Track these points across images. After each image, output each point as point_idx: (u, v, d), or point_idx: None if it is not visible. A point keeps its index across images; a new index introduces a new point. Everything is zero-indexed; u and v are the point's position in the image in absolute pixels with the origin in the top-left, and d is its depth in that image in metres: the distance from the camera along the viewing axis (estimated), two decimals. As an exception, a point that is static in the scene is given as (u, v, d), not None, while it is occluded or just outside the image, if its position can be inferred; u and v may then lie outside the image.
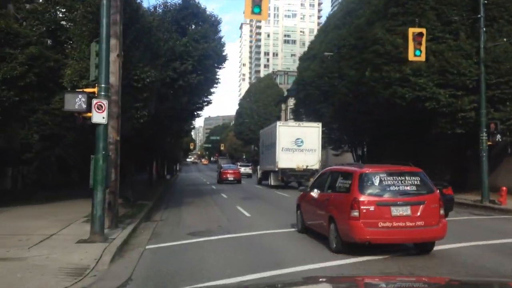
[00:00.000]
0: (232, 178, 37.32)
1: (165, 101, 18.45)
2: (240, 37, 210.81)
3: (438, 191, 8.99)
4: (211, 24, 18.61)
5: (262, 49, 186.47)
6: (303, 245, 9.80)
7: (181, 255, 8.64)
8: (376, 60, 23.74)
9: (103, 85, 9.52)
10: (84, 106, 9.28)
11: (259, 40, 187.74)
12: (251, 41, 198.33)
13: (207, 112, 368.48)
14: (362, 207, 8.20)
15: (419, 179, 8.70)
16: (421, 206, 8.38)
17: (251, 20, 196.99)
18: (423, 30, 16.94)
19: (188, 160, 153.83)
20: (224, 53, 19.58)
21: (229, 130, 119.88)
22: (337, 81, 33.24)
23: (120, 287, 6.34)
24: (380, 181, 8.52)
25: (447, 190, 13.63)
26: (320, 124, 32.06)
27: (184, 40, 16.70)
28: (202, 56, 17.16)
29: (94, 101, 9.35)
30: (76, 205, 15.77)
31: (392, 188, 8.50)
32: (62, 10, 15.06)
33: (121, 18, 11.19)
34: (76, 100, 9.30)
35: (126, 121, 12.18)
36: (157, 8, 18.47)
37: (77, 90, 10.13)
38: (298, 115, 43.07)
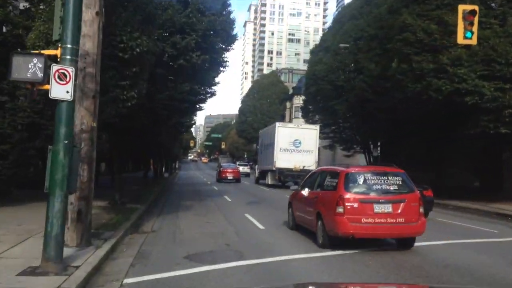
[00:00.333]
0: (231, 177, 36.90)
1: (163, 87, 15.57)
2: (244, 35, 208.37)
3: (418, 191, 9.50)
4: (220, -6, 15.72)
5: (266, 48, 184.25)
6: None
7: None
8: (405, 50, 20.83)
9: (69, 46, 6.59)
10: (39, 74, 6.38)
11: (263, 38, 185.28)
12: (254, 40, 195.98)
13: (208, 110, 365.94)
14: (346, 204, 8.77)
15: (401, 179, 9.21)
16: (402, 204, 8.94)
17: (255, 18, 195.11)
18: (476, 8, 13.98)
19: (188, 158, 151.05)
20: (233, 32, 16.63)
21: (231, 128, 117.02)
22: (354, 75, 30.37)
23: None
24: (364, 180, 9.11)
25: (427, 192, 14.25)
26: (318, 127, 33.02)
27: (187, 11, 13.76)
28: (207, 31, 14.23)
29: (55, 67, 6.43)
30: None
31: (375, 187, 9.05)
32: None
33: (103, -37, 8.28)
34: (29, 66, 6.39)
35: (109, 104, 9.26)
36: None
37: (31, 52, 7.18)
38: (307, 113, 40.14)
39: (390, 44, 22.75)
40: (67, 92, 6.46)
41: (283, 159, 29.52)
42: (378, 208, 8.88)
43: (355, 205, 8.84)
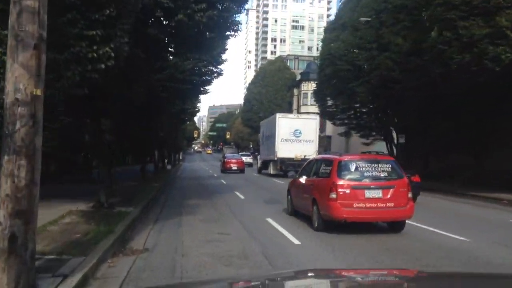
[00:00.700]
0: (235, 168, 36.93)
1: (158, 58, 12.34)
2: (246, 23, 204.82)
3: (406, 177, 9.95)
4: None
5: (269, 35, 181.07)
6: None
7: None
8: (448, 15, 17.44)
9: None
10: None
11: (266, 25, 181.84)
12: (257, 27, 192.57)
13: (212, 100, 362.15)
14: (339, 190, 9.29)
15: (390, 166, 9.77)
16: (391, 189, 9.47)
17: (257, 6, 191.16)
18: None
19: (194, 148, 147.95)
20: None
21: (236, 117, 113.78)
22: (377, 52, 26.93)
23: None
24: (356, 167, 9.62)
25: (415, 178, 14.79)
26: (317, 116, 34.89)
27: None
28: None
29: None
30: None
31: (366, 173, 9.55)
32: None
33: None
34: None
35: (70, 64, 6.00)
36: None
37: None
38: (321, 98, 36.72)
39: (426, 11, 19.37)
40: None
41: (284, 149, 29.87)
42: (369, 193, 9.33)
43: (347, 191, 9.30)
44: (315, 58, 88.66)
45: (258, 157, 40.41)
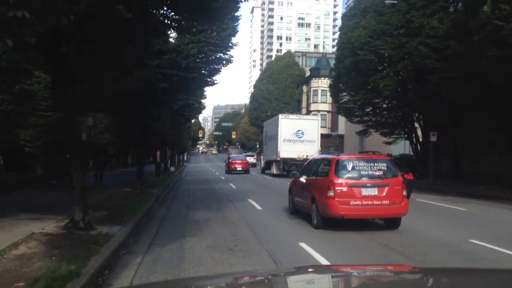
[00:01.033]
0: (240, 168, 36.85)
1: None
2: (251, 21, 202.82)
3: (401, 176, 10.16)
4: None
5: (275, 33, 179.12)
6: None
7: None
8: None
9: None
10: None
11: (272, 23, 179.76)
12: (262, 26, 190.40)
13: (216, 100, 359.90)
14: (337, 188, 9.55)
15: (386, 165, 9.97)
16: (387, 187, 9.70)
17: (262, 3, 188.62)
18: None
19: (199, 149, 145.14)
20: None
21: (241, 117, 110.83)
22: (406, 39, 23.82)
23: None
24: (353, 167, 9.84)
25: (408, 176, 15.44)
26: (319, 117, 35.39)
27: None
28: None
29: None
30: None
31: (362, 172, 9.79)
32: None
33: None
34: None
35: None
36: None
37: None
38: (337, 92, 33.56)
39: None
40: None
41: (287, 150, 30.11)
42: (365, 191, 9.63)
43: (345, 189, 9.58)
44: (323, 54, 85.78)
45: (261, 157, 40.82)
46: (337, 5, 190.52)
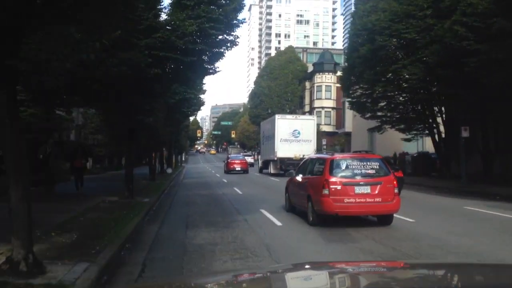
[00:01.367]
0: (239, 168, 36.85)
1: None
2: (249, 19, 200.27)
3: (393, 174, 10.48)
4: None
5: (273, 31, 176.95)
6: None
7: None
8: None
9: None
10: None
11: (270, 20, 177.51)
12: (260, 23, 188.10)
13: (214, 100, 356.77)
14: (331, 187, 9.86)
15: (378, 164, 10.38)
16: (379, 185, 10.01)
17: (260, 1, 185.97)
18: None
19: (197, 149, 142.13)
20: None
21: (241, 116, 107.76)
22: (433, 21, 20.85)
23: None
24: (347, 166, 10.23)
25: (398, 173, 14.88)
26: (315, 117, 37.02)
27: None
28: None
29: None
30: None
31: (356, 171, 10.16)
32: None
33: None
34: None
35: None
36: None
37: None
38: (349, 86, 30.52)
39: None
40: None
41: (284, 149, 30.47)
42: (358, 189, 9.95)
43: (339, 187, 9.88)
44: (326, 49, 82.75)
45: (259, 157, 41.52)
46: (336, 2, 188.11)
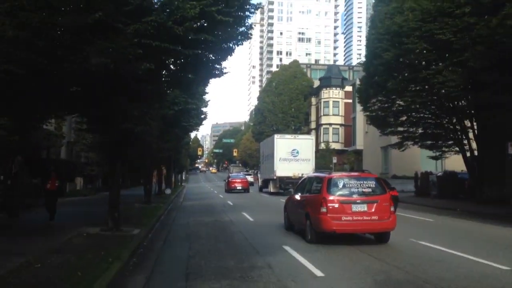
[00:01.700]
0: (240, 187, 36.76)
1: None
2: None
3: (389, 193, 10.72)
4: None
5: (275, 48, 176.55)
6: None
7: None
8: None
9: None
10: None
11: (271, 38, 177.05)
12: (261, 41, 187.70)
13: (214, 118, 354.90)
14: (329, 205, 10.10)
15: (374, 183, 10.63)
16: (375, 204, 10.23)
17: (261, 19, 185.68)
18: None
19: (199, 168, 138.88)
20: None
21: (243, 133, 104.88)
22: (473, 19, 17.95)
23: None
24: (344, 184, 10.48)
25: (393, 192, 14.61)
26: (313, 137, 37.14)
27: None
28: None
29: None
30: None
31: (353, 189, 10.38)
32: None
33: None
34: None
35: None
36: None
37: None
38: (367, 98, 27.55)
39: None
40: None
41: (283, 168, 30.74)
42: (355, 207, 10.12)
43: (336, 205, 10.09)
44: (331, 65, 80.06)
45: (259, 176, 41.75)
46: (337, 20, 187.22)
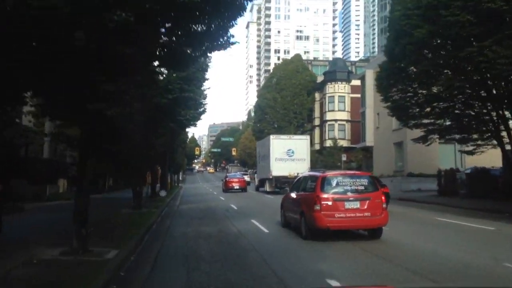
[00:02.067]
0: (237, 187, 37.03)
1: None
2: (247, 36, 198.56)
3: (381, 190, 11.05)
4: None
5: (272, 47, 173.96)
6: None
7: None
8: None
9: None
10: None
11: (269, 36, 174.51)
12: (259, 40, 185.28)
13: (211, 119, 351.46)
14: (323, 202, 10.33)
15: (367, 180, 10.93)
16: (368, 201, 10.44)
17: (258, 18, 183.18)
18: None
19: (195, 168, 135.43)
20: None
21: (241, 133, 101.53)
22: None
23: None
24: (337, 182, 10.74)
25: (385, 189, 14.96)
26: (308, 137, 36.18)
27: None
28: None
29: None
30: None
31: (346, 187, 10.66)
32: None
33: None
34: None
35: None
36: None
37: None
38: (386, 87, 24.23)
39: None
40: None
41: (279, 168, 31.21)
42: (348, 205, 10.37)
43: (330, 203, 10.34)
44: (329, 62, 76.91)
45: (255, 175, 42.24)
46: (335, 17, 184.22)
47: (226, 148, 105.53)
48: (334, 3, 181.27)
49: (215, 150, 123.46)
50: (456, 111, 22.94)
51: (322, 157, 48.69)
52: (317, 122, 58.95)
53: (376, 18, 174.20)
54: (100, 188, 36.90)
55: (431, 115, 23.63)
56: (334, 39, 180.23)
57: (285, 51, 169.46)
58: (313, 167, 44.13)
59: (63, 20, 6.51)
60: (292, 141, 33.13)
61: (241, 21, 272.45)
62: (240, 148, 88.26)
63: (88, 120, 8.17)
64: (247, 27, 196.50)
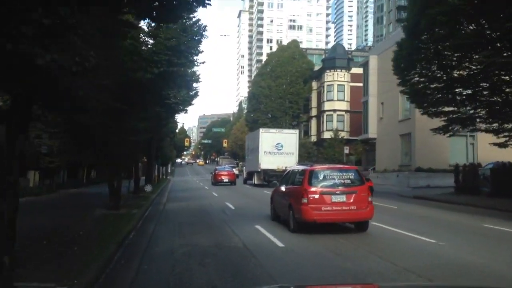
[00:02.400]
0: (226, 180, 37.28)
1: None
2: (238, 26, 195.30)
3: (367, 184, 11.32)
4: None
5: (265, 37, 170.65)
6: None
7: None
8: None
9: None
10: None
11: (261, 26, 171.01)
12: (251, 30, 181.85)
13: (201, 110, 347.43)
14: (310, 196, 10.53)
15: (353, 174, 11.12)
16: (354, 194, 10.66)
17: (250, 7, 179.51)
18: None
19: (184, 160, 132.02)
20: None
21: (232, 124, 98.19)
22: None
23: None
24: (324, 176, 10.94)
25: (369, 183, 14.88)
26: (297, 131, 36.25)
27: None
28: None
29: None
30: None
31: (332, 181, 10.85)
32: None
33: None
34: None
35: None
36: None
37: None
38: (404, 69, 21.16)
39: None
40: None
41: (267, 161, 31.64)
42: (335, 198, 10.56)
43: (317, 196, 10.53)
44: (326, 52, 73.87)
45: (244, 168, 42.65)
46: (329, 7, 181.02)
47: (217, 139, 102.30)
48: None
49: (205, 141, 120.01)
50: (481, 98, 20.00)
51: (322, 149, 45.60)
52: (314, 112, 55.82)
53: (369, 9, 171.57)
54: (79, 180, 33.44)
55: (454, 102, 20.68)
56: (327, 29, 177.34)
57: (277, 41, 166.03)
58: (310, 160, 41.72)
59: None
60: (281, 135, 33.34)
61: (232, 10, 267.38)
62: (232, 139, 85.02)
63: (11, 71, 4.91)
64: (239, 16, 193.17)
